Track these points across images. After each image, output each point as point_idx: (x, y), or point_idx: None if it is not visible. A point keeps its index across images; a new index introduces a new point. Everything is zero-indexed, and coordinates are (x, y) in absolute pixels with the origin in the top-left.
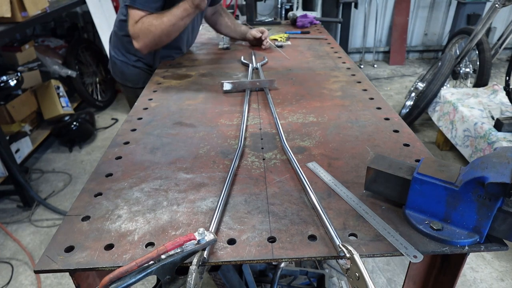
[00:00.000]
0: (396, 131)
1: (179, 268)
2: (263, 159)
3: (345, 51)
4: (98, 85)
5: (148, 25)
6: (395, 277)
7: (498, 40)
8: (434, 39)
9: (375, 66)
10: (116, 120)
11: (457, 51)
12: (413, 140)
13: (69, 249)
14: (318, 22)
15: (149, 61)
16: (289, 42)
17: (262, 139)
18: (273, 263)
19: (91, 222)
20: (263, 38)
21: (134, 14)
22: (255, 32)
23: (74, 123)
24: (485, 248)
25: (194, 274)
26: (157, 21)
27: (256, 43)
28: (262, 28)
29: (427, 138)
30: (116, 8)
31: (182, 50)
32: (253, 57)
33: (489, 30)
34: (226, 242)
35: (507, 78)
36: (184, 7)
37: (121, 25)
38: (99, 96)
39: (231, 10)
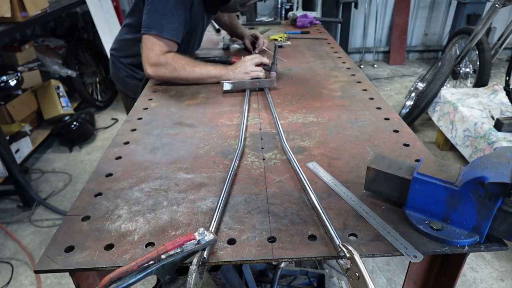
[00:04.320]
0: (396, 131)
1: (179, 268)
2: (263, 159)
3: (345, 51)
4: (98, 85)
5: (177, 64)
6: (395, 277)
7: (498, 40)
8: (434, 39)
9: (375, 66)
10: (116, 120)
11: (457, 51)
12: (413, 140)
13: (69, 249)
14: (318, 22)
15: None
16: (289, 42)
17: (262, 139)
18: (273, 263)
19: (91, 222)
20: (256, 46)
21: (161, 44)
22: (248, 43)
23: (74, 123)
24: (485, 248)
25: (194, 274)
26: (189, 67)
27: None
28: (257, 33)
29: (427, 138)
30: (116, 8)
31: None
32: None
33: (489, 30)
34: (226, 242)
35: (507, 78)
36: (220, 72)
37: (130, 44)
38: (99, 96)
39: None
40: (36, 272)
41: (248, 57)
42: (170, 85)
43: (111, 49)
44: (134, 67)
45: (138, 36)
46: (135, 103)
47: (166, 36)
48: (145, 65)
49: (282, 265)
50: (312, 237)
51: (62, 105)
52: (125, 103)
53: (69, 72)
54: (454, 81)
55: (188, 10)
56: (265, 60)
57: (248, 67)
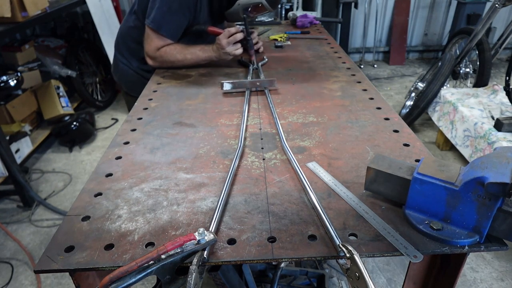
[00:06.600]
0: (396, 131)
1: (179, 268)
2: (263, 159)
3: (345, 51)
4: (98, 85)
5: (171, 57)
6: (395, 277)
7: (498, 40)
8: (434, 39)
9: (375, 66)
10: (116, 120)
11: (457, 51)
12: (413, 140)
13: (69, 249)
14: (318, 22)
15: None
16: (289, 42)
17: (262, 139)
18: (273, 263)
19: (91, 222)
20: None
21: (157, 39)
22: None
23: (74, 123)
24: (485, 248)
25: (194, 274)
26: (180, 56)
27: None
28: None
29: (427, 138)
30: (116, 8)
31: None
32: (253, 57)
33: (489, 30)
34: (226, 242)
35: (507, 78)
36: (209, 54)
37: (135, 32)
38: (99, 96)
39: None
40: (36, 272)
41: (221, 38)
42: (170, 85)
43: (115, 49)
44: (141, 63)
45: (138, 24)
46: (135, 103)
47: (163, 33)
48: (146, 55)
49: (282, 265)
50: (312, 237)
51: (62, 105)
52: (129, 106)
53: (69, 72)
54: (454, 81)
55: (192, 15)
56: (238, 35)
57: (227, 49)
